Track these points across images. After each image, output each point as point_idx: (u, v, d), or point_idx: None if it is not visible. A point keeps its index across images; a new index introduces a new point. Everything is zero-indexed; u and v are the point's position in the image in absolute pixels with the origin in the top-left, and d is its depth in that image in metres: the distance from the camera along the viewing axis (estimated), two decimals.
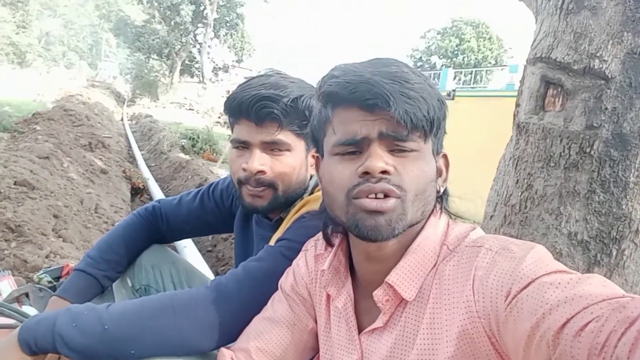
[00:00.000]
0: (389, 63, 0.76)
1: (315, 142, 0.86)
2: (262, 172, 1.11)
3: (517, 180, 1.46)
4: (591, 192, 1.29)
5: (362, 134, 0.74)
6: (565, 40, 1.33)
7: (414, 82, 0.73)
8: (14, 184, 3.30)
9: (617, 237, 1.27)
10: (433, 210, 0.81)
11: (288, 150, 1.12)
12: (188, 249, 2.91)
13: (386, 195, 0.72)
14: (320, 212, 0.89)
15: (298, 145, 1.13)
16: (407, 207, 0.74)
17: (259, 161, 1.10)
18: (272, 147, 1.11)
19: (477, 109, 10.83)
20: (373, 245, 0.78)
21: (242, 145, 1.13)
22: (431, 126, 0.75)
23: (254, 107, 1.07)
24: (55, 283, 1.45)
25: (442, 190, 0.82)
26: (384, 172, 0.72)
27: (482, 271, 0.68)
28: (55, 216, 3.11)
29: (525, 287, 0.62)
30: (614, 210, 1.27)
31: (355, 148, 0.75)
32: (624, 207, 1.26)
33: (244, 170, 1.11)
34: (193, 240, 3.29)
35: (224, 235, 3.87)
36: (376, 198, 0.72)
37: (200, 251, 3.20)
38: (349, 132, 0.75)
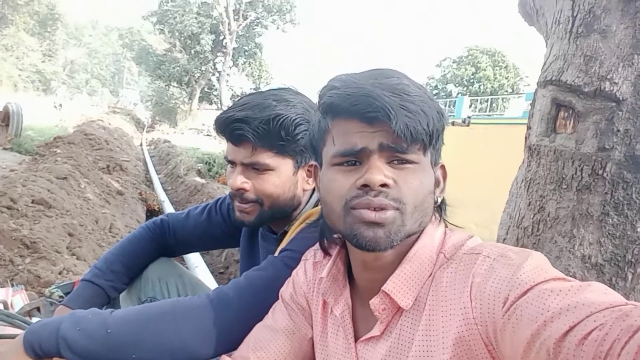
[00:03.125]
0: (390, 74, 0.76)
1: (314, 151, 0.87)
2: (243, 189, 1.14)
3: (529, 203, 1.45)
4: (604, 214, 1.27)
5: (361, 144, 0.74)
6: (576, 63, 1.33)
7: (414, 95, 0.73)
8: (32, 202, 3.40)
9: (633, 260, 1.24)
10: (430, 220, 0.80)
11: (269, 169, 1.14)
12: (200, 270, 2.91)
13: (384, 208, 0.72)
14: (318, 219, 0.89)
15: (282, 164, 1.15)
16: (406, 218, 0.74)
17: (240, 179, 1.14)
18: (253, 167, 1.14)
19: (493, 136, 10.78)
20: (370, 255, 0.77)
21: (231, 163, 1.17)
22: (430, 139, 0.75)
23: (227, 128, 1.11)
24: (65, 298, 1.46)
25: (439, 200, 0.82)
26: (384, 185, 0.72)
27: (480, 278, 0.68)
28: (70, 234, 3.17)
29: (524, 294, 0.61)
30: (629, 233, 1.24)
31: (355, 159, 0.75)
32: (638, 229, 1.23)
33: (231, 186, 1.15)
34: (205, 262, 3.30)
35: (237, 257, 3.88)
36: (374, 210, 0.72)
37: (212, 273, 3.20)
38: (349, 142, 0.75)
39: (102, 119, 17.56)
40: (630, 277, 1.24)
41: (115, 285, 1.36)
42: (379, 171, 0.72)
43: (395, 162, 0.74)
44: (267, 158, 1.12)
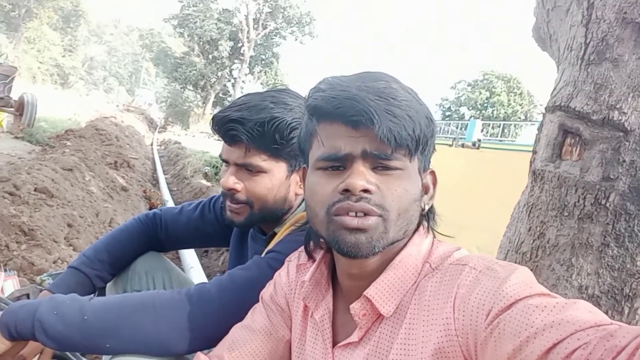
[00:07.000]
0: (378, 78, 0.75)
1: (302, 153, 0.86)
2: (234, 189, 1.13)
3: (530, 228, 1.42)
4: (605, 245, 1.24)
5: (345, 150, 0.73)
6: (585, 90, 1.32)
7: (401, 99, 0.72)
8: (34, 190, 3.42)
9: (630, 294, 1.21)
10: (418, 228, 0.79)
11: (262, 172, 1.13)
12: (195, 270, 2.89)
13: (366, 214, 0.71)
14: (306, 223, 0.88)
15: (275, 167, 1.14)
16: (389, 225, 0.73)
17: (232, 180, 1.13)
18: (246, 168, 1.13)
19: (502, 161, 10.75)
20: (354, 262, 0.76)
21: (225, 162, 1.17)
22: (417, 145, 0.73)
23: (222, 128, 1.11)
24: (51, 283, 1.45)
25: (427, 207, 0.81)
26: (365, 190, 0.71)
27: (465, 289, 0.67)
28: (69, 225, 3.19)
29: (508, 308, 0.60)
30: (628, 266, 1.21)
31: (339, 163, 0.74)
32: (638, 263, 1.20)
33: (222, 185, 1.15)
34: (203, 264, 3.27)
35: None
36: (357, 216, 0.71)
37: (208, 276, 3.17)
38: (333, 147, 0.74)
39: (115, 116, 17.70)
40: (627, 311, 1.21)
41: (101, 275, 1.35)
42: (361, 176, 0.71)
43: (380, 167, 0.73)
44: (260, 160, 1.11)
